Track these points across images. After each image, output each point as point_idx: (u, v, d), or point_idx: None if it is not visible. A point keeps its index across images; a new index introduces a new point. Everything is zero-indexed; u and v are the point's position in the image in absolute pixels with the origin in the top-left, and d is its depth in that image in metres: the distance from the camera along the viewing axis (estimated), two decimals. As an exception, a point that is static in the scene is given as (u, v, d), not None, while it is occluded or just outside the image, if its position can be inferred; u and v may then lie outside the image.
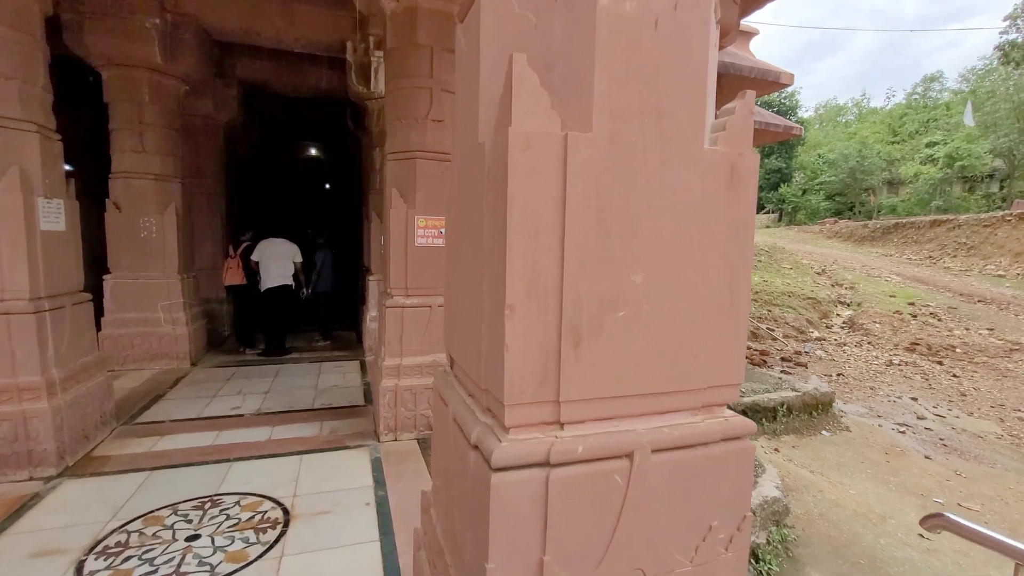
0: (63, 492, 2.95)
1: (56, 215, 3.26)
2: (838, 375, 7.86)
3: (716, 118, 1.25)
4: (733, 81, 6.30)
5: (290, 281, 6.48)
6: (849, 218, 25.70)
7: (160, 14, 5.07)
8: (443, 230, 3.93)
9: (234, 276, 6.50)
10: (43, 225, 3.09)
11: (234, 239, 6.88)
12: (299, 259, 6.57)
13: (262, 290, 6.37)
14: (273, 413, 4.47)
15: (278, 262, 6.37)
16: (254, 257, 6.39)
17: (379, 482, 3.22)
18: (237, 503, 2.88)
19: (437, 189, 3.85)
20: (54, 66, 3.34)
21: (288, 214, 13.37)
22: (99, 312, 5.57)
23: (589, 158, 1.05)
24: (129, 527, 2.61)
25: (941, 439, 5.52)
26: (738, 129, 1.19)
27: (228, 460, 3.45)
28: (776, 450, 4.70)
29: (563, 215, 1.05)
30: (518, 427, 1.11)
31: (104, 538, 2.51)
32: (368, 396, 5.02)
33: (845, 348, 9.36)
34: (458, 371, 1.50)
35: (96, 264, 5.53)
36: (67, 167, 3.51)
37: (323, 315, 7.77)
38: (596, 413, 1.15)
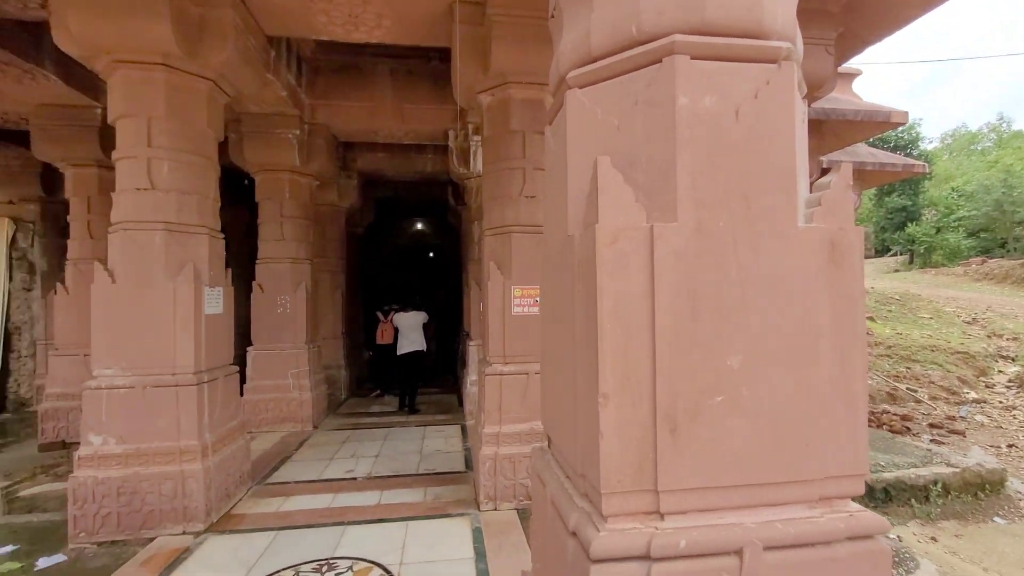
0: (207, 548, 3.31)
1: (216, 301, 3.89)
2: (1009, 447, 6.51)
3: (811, 191, 1.24)
4: (838, 127, 5.97)
5: (421, 347, 7.55)
6: (1001, 256, 22.05)
7: (300, 125, 6.05)
8: (538, 299, 4.06)
9: (387, 337, 7.98)
10: (207, 309, 3.70)
11: (382, 309, 8.41)
12: (426, 320, 7.68)
13: (398, 354, 7.54)
14: (382, 477, 4.70)
15: (412, 330, 7.50)
16: (394, 323, 7.73)
17: (480, 554, 3.21)
18: (350, 568, 3.03)
19: (531, 260, 4.02)
20: (223, 175, 4.11)
21: (397, 282, 14.57)
22: (243, 380, 6.37)
23: (676, 248, 1.09)
24: (259, 585, 2.84)
25: None
26: (835, 203, 1.16)
27: (342, 523, 3.65)
28: (933, 539, 3.95)
29: (652, 305, 1.08)
30: (616, 516, 1.10)
31: (239, 594, 2.75)
32: (469, 462, 5.10)
33: (1015, 413, 7.79)
34: (555, 451, 1.52)
35: (244, 337, 6.42)
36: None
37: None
38: (698, 504, 1.11)
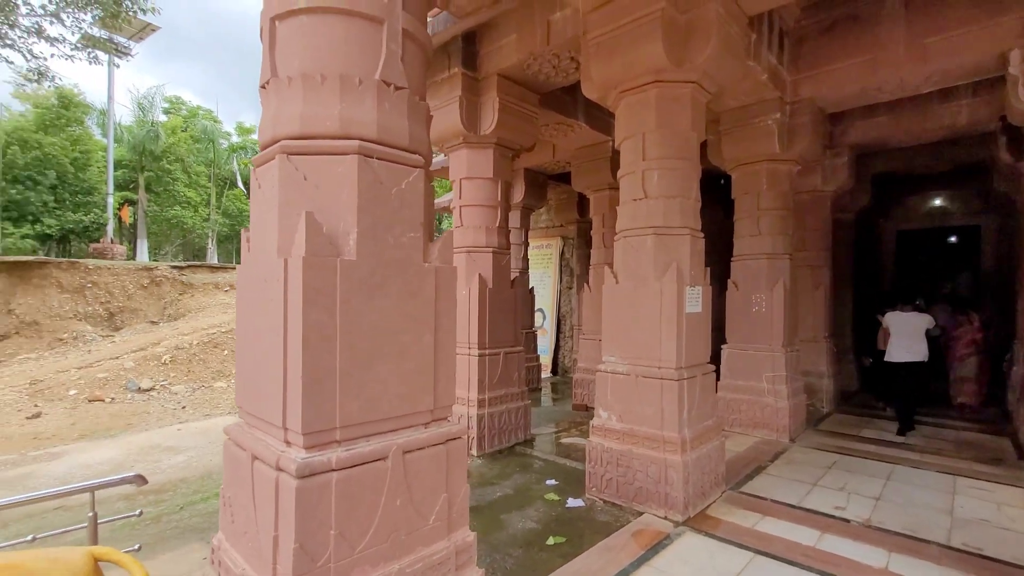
0: (685, 543, 3.40)
1: (696, 299, 3.97)
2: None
3: None
4: None
5: (920, 357, 6.12)
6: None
7: (780, 108, 5.51)
8: None
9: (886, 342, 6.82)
10: (688, 308, 3.82)
11: (881, 311, 7.13)
12: (930, 326, 6.20)
13: (885, 361, 6.34)
14: (888, 532, 3.62)
15: (908, 335, 6.18)
16: (884, 324, 6.51)
17: None
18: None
19: None
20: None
21: (901, 276, 11.63)
22: (717, 376, 6.45)
23: None
24: (737, 609, 2.65)
25: None
26: None
27: (834, 576, 2.99)
28: None
29: None
30: None
31: (716, 608, 2.65)
32: (1055, 561, 3.26)
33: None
34: None
35: (719, 332, 6.52)
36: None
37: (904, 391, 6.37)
38: None
